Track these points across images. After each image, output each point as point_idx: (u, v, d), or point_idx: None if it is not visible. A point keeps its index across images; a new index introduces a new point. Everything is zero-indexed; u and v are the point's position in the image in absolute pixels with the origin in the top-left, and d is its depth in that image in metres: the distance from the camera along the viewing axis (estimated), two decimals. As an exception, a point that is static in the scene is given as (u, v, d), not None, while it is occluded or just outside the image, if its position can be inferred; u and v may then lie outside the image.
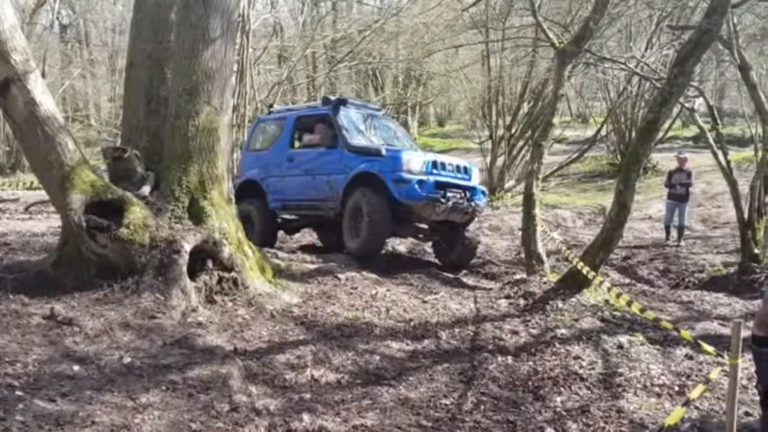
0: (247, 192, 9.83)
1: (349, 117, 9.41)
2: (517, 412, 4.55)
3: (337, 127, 9.12)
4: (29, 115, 5.60)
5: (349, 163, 8.77)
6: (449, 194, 8.50)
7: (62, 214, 6.00)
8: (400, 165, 8.36)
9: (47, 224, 9.98)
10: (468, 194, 8.80)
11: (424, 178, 8.37)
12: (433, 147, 20.47)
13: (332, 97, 9.80)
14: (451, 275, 9.10)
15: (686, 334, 4.72)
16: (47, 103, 5.71)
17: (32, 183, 13.01)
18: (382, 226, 8.36)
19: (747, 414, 4.31)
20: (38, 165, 6.05)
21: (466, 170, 9.10)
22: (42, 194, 9.32)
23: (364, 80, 24.16)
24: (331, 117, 9.26)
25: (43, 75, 17.21)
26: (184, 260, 5.82)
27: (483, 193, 9.25)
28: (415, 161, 8.48)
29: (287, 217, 9.98)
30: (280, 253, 8.27)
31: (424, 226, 9.16)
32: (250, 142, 10.64)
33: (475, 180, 9.23)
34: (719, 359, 4.03)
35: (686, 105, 12.07)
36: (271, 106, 11.40)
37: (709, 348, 4.21)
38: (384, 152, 8.60)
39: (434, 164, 8.64)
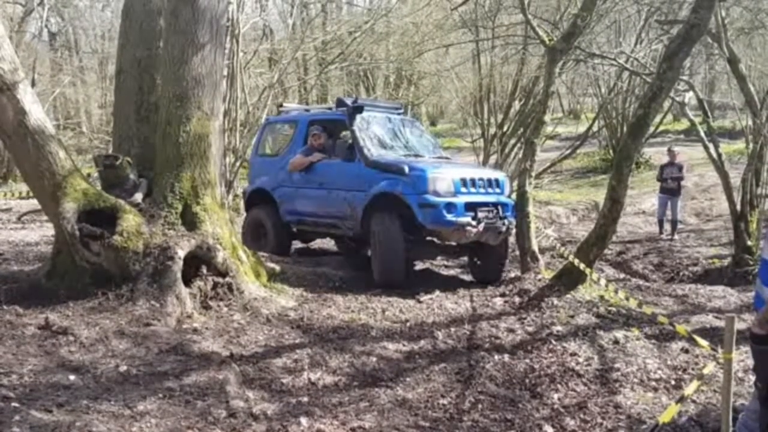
0: (258, 200, 9.30)
1: (367, 125, 8.54)
2: (514, 410, 4.55)
3: (354, 137, 8.27)
4: (19, 125, 5.58)
5: (368, 179, 7.92)
6: (480, 214, 7.66)
7: (55, 223, 5.98)
8: (426, 186, 7.48)
9: (40, 233, 9.95)
10: (500, 211, 7.94)
11: (452, 200, 7.51)
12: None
13: (347, 100, 8.83)
14: (444, 273, 9.11)
15: (681, 328, 4.74)
16: (37, 112, 5.69)
17: (27, 193, 12.97)
18: (394, 260, 7.62)
19: (743, 406, 4.32)
20: (29, 174, 6.02)
21: (497, 183, 8.18)
22: (34, 203, 9.28)
23: (355, 81, 24.13)
24: (346, 124, 8.51)
25: (33, 83, 17.15)
26: (178, 266, 5.80)
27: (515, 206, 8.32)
28: (442, 180, 7.57)
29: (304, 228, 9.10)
30: (275, 257, 8.24)
31: (452, 244, 8.25)
32: (259, 147, 9.81)
33: (507, 192, 8.38)
34: (714, 353, 4.05)
35: (677, 99, 12.14)
36: (281, 105, 10.62)
37: (704, 342, 4.23)
38: (407, 170, 7.62)
39: (464, 182, 7.74)
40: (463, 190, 7.73)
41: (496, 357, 5.50)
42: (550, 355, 5.56)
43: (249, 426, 3.92)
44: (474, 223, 7.59)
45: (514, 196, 8.72)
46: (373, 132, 8.59)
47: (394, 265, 7.65)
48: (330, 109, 9.39)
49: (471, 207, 7.66)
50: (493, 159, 17.02)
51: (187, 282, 5.95)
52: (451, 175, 7.76)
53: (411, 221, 7.62)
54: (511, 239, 8.63)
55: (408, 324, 6.31)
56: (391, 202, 7.74)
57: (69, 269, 5.90)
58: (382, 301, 7.01)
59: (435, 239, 8.13)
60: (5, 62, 5.45)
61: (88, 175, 7.61)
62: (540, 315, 6.55)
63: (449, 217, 7.46)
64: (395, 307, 6.81)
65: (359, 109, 8.52)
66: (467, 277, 8.83)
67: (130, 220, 5.94)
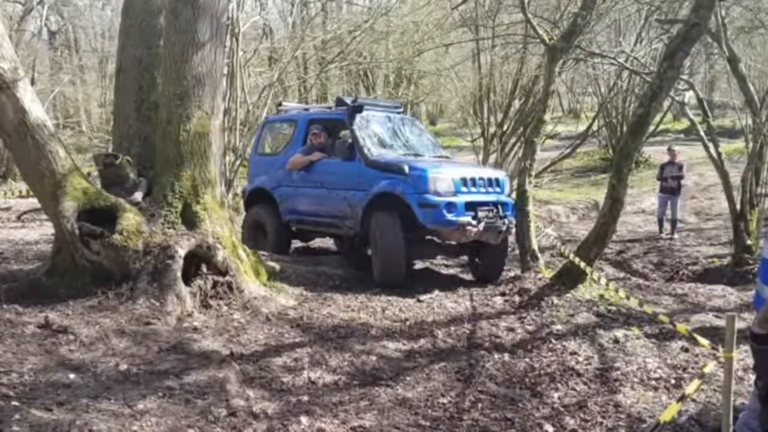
0: (258, 199, 9.29)
1: (366, 124, 8.53)
2: (514, 409, 4.55)
3: (354, 137, 8.25)
4: (19, 124, 5.57)
5: (368, 179, 7.92)
6: (480, 214, 7.65)
7: (54, 222, 5.97)
8: (426, 185, 7.47)
9: (40, 232, 9.94)
10: (500, 210, 7.90)
11: (453, 199, 7.49)
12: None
13: (347, 99, 8.84)
14: (444, 272, 9.11)
15: (682, 327, 4.74)
16: (37, 111, 5.68)
17: (27, 192, 12.97)
18: (394, 260, 7.60)
19: (743, 405, 4.32)
20: (29, 173, 6.02)
21: (497, 183, 8.15)
22: (34, 202, 9.29)
23: (355, 80, 24.11)
24: (346, 123, 8.49)
25: (33, 82, 17.15)
26: (178, 265, 5.80)
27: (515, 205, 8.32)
28: (442, 180, 7.56)
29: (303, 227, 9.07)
30: (275, 256, 8.23)
31: (452, 243, 8.19)
32: (258, 146, 9.80)
33: (507, 191, 8.36)
34: (714, 352, 4.05)
35: (677, 98, 12.14)
36: (280, 104, 10.55)
37: (704, 341, 4.22)
38: (407, 170, 7.59)
39: (464, 181, 7.72)
40: (464, 189, 7.70)
41: (496, 356, 5.50)
42: (550, 354, 5.56)
43: (249, 425, 3.92)
44: (474, 222, 7.57)
45: (514, 195, 8.71)
46: (373, 131, 8.56)
47: (395, 265, 7.64)
48: (330, 108, 9.36)
49: (471, 206, 7.64)
50: (492, 158, 17.04)
51: (187, 281, 5.95)
52: (452, 174, 7.73)
53: (411, 221, 7.60)
54: (511, 238, 8.63)
55: (408, 323, 6.31)
56: (392, 201, 7.72)
57: (69, 268, 5.89)
58: (381, 300, 7.01)
59: (435, 238, 8.12)
60: (5, 61, 5.45)
61: (88, 174, 7.60)
62: (540, 314, 6.55)
63: (449, 216, 7.45)
64: (395, 306, 6.81)
65: (359, 108, 8.49)
66: (467, 277, 8.83)
67: (130, 218, 5.94)
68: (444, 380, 4.97)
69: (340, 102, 8.83)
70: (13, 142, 5.75)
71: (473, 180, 7.85)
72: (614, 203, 6.89)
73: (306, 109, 9.98)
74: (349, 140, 8.41)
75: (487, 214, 7.74)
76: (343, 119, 8.58)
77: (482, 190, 7.91)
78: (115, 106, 7.54)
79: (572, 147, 18.83)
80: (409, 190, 7.55)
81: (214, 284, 6.12)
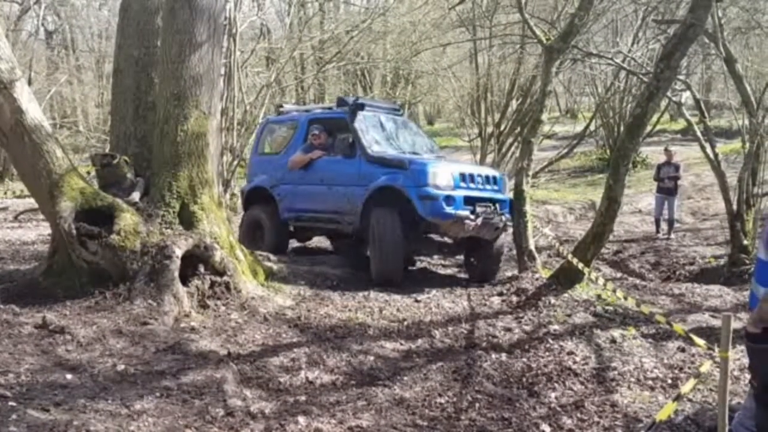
0: (256, 199, 9.35)
1: (367, 122, 8.68)
2: (512, 408, 4.56)
3: (355, 134, 8.39)
4: (16, 124, 5.58)
5: (368, 175, 8.03)
6: (479, 209, 7.75)
7: (52, 222, 5.97)
8: (426, 179, 7.59)
9: (37, 233, 9.94)
10: (498, 207, 8.02)
11: (452, 193, 7.62)
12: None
13: (348, 99, 9.06)
14: (441, 272, 9.12)
15: (678, 327, 4.75)
16: (34, 110, 5.68)
17: (21, 192, 12.97)
18: (393, 256, 7.70)
19: (739, 404, 4.33)
20: (26, 173, 6.02)
21: (495, 181, 8.33)
22: (31, 202, 9.29)
23: (352, 80, 24.11)
24: (347, 122, 8.59)
25: (30, 82, 17.12)
26: (175, 265, 5.80)
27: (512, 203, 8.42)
28: (442, 174, 7.71)
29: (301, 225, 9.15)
30: (272, 256, 8.23)
31: (448, 240, 8.40)
32: (258, 146, 9.88)
33: (505, 190, 8.47)
34: (711, 352, 4.06)
35: (674, 99, 12.18)
36: (280, 106, 10.66)
37: (701, 341, 4.23)
38: (407, 164, 7.77)
39: (462, 177, 7.89)
40: (462, 184, 7.85)
41: (494, 356, 5.50)
42: (548, 354, 5.56)
43: (247, 425, 3.92)
44: (472, 216, 7.66)
45: (511, 194, 8.76)
46: (373, 129, 8.70)
47: (393, 261, 7.72)
48: (330, 108, 9.47)
49: (470, 201, 7.75)
50: (490, 158, 17.06)
51: (185, 281, 5.95)
52: (451, 169, 7.91)
53: (410, 217, 7.69)
54: (509, 238, 8.65)
55: (405, 323, 6.31)
56: (391, 196, 7.82)
57: (66, 268, 5.89)
58: (379, 300, 7.01)
59: (433, 235, 8.20)
60: (2, 61, 5.46)
61: (87, 173, 7.60)
62: (537, 314, 6.55)
63: (448, 209, 7.54)
64: (393, 306, 6.81)
65: (360, 106, 8.67)
66: (464, 277, 8.84)
67: (128, 219, 5.94)
68: (441, 380, 4.97)
69: (341, 102, 8.99)
70: (10, 142, 5.75)
71: (471, 176, 8.01)
72: (611, 203, 6.90)
73: (306, 111, 10.04)
74: (350, 138, 8.49)
75: (485, 210, 7.84)
76: (343, 118, 8.69)
77: (480, 186, 8.05)
78: (113, 106, 7.54)
79: (569, 147, 18.86)
80: (409, 183, 7.67)
81: (212, 284, 6.13)
